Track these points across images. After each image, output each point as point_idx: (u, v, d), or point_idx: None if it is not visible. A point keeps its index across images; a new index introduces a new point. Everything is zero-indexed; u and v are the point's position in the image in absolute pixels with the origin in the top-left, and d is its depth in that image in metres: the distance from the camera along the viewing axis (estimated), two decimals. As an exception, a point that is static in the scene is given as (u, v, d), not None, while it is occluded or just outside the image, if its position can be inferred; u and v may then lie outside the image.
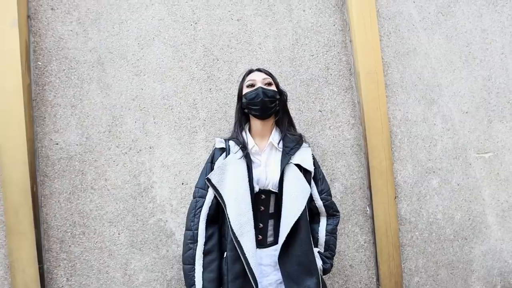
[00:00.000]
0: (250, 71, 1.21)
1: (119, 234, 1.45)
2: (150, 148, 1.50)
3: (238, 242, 1.04)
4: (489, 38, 1.80)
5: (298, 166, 1.15)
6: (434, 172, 1.71)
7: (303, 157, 1.17)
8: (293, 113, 1.58)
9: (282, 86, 1.58)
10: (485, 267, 1.74)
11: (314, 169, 1.20)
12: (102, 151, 1.46)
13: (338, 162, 1.62)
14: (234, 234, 1.04)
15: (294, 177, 1.12)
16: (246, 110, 1.18)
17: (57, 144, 1.44)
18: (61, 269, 1.41)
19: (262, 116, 1.15)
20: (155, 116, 1.51)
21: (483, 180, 1.76)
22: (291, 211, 1.08)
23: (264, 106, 1.12)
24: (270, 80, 1.18)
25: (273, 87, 1.17)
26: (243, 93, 1.18)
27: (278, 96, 1.17)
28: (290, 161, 1.13)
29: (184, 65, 1.54)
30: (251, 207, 1.08)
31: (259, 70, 1.21)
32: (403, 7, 1.72)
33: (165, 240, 1.48)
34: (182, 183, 1.51)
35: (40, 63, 1.45)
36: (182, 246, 1.16)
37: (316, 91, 1.63)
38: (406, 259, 1.66)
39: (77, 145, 1.45)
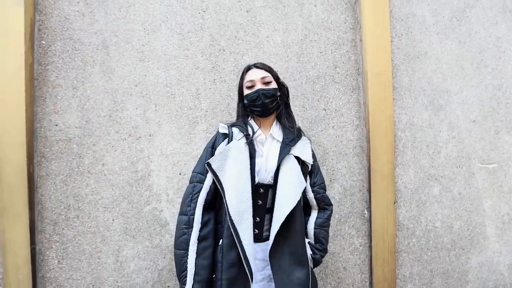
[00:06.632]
0: (248, 68, 1.21)
1: (113, 220, 1.44)
2: (150, 135, 1.48)
3: (235, 229, 1.03)
4: (503, 47, 1.75)
5: (297, 158, 1.14)
6: (436, 179, 1.68)
7: (303, 149, 1.17)
8: (296, 110, 1.57)
9: (288, 82, 1.55)
10: (480, 278, 1.72)
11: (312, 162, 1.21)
12: (101, 136, 1.45)
13: (339, 163, 1.59)
14: (232, 221, 1.03)
15: (291, 169, 1.11)
16: (248, 109, 1.20)
17: (56, 125, 1.42)
18: (53, 251, 1.40)
19: (264, 115, 1.17)
20: (157, 104, 1.49)
21: (485, 191, 1.73)
22: (285, 203, 1.07)
23: (265, 107, 1.14)
24: (269, 77, 1.17)
25: (273, 85, 1.17)
26: (244, 94, 1.19)
27: (278, 93, 1.18)
28: (290, 152, 1.13)
29: (189, 53, 1.52)
30: (251, 196, 1.07)
31: (256, 66, 1.19)
32: (417, 9, 1.68)
33: (159, 229, 1.47)
34: (180, 173, 1.49)
35: (44, 42, 1.42)
36: (175, 232, 1.13)
37: (322, 89, 1.60)
38: (401, 265, 1.64)
39: (76, 127, 1.43)
